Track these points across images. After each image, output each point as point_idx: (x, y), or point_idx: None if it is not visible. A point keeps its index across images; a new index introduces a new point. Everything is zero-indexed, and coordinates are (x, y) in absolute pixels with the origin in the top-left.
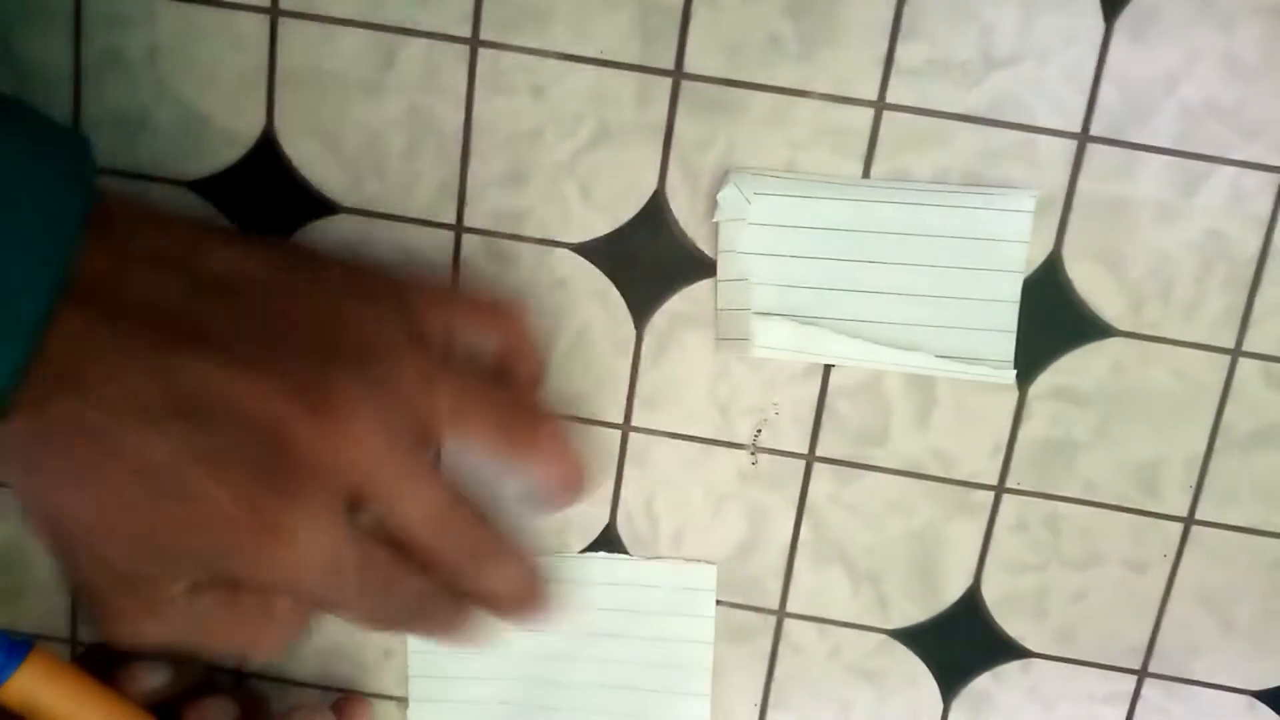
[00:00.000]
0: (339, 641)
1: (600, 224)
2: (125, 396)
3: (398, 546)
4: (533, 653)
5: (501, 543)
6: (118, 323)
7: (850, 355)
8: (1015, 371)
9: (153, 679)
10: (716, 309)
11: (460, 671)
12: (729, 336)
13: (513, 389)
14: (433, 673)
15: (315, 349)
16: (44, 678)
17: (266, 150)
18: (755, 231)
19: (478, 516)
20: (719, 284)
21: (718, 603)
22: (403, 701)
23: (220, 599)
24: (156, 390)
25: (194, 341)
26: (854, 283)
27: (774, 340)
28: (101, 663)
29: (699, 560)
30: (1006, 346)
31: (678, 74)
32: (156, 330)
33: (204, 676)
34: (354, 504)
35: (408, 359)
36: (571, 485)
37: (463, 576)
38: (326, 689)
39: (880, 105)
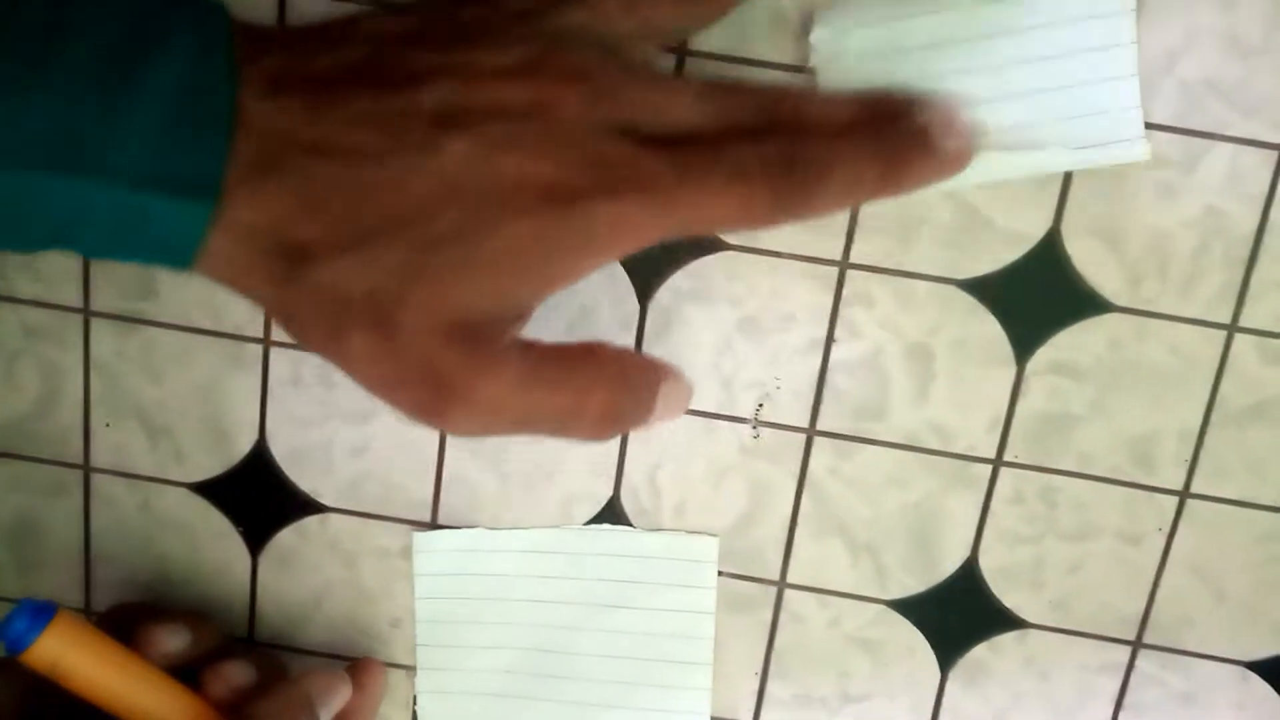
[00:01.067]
0: (349, 611)
1: None
2: (383, 136)
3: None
4: (537, 622)
5: (794, 84)
6: (327, 86)
7: (981, 171)
8: (1149, 145)
9: (172, 641)
10: None
11: (466, 641)
12: None
13: None
14: (440, 642)
15: (510, 34)
16: (69, 641)
17: None
18: (856, 67)
19: (744, 82)
20: None
21: (719, 574)
22: (412, 670)
23: (556, 350)
24: (411, 121)
25: (410, 73)
26: (968, 96)
27: None
28: (122, 626)
29: (701, 532)
30: (1135, 123)
31: (682, 51)
32: (367, 81)
33: (222, 641)
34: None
35: (577, 5)
36: None
37: (792, 128)
38: (336, 658)
39: None
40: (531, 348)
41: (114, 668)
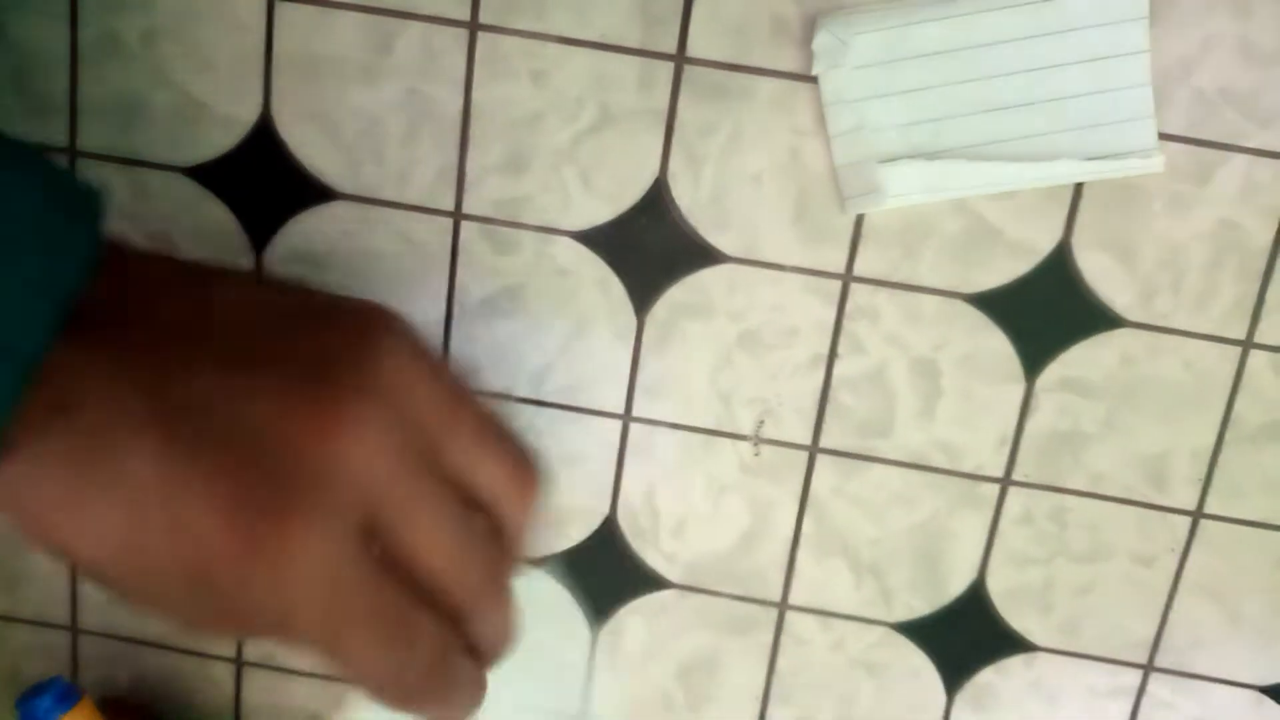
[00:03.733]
0: None
1: (601, 211)
2: (115, 415)
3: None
4: None
5: (505, 588)
6: (117, 352)
7: (989, 182)
8: (1164, 157)
9: None
10: (834, 166)
11: None
12: (856, 194)
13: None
14: None
15: (322, 367)
16: None
17: (264, 136)
18: (860, 75)
19: (491, 553)
20: (832, 139)
21: (718, 594)
22: None
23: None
24: (144, 403)
25: (192, 361)
26: (975, 104)
27: (905, 185)
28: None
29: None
30: (1149, 133)
31: (680, 58)
32: (154, 355)
33: None
34: (366, 530)
35: (421, 387)
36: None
37: (465, 618)
38: (326, 680)
39: None
40: None
41: None
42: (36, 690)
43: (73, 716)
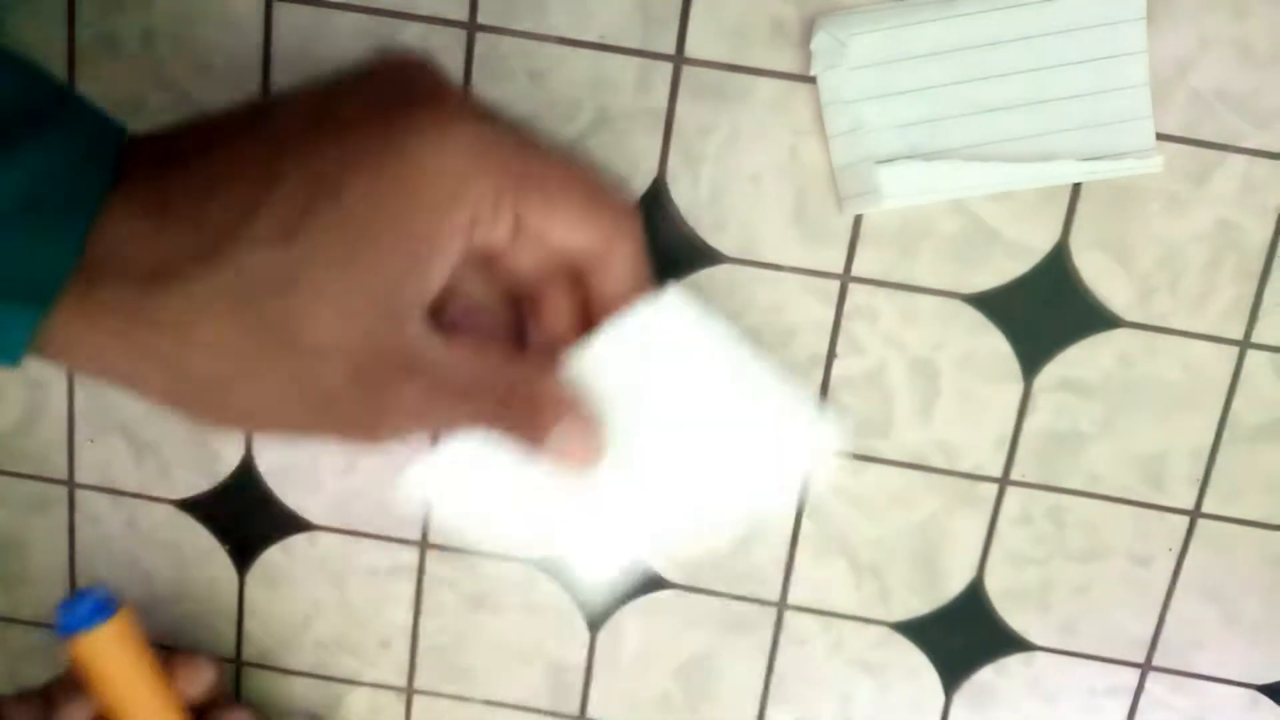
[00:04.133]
0: (337, 631)
1: None
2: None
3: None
4: None
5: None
6: (190, 179)
7: (987, 182)
8: (1162, 158)
9: (208, 676)
10: (833, 166)
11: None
12: (854, 194)
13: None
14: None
15: (392, 106)
16: (120, 640)
17: None
18: (858, 75)
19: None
20: (830, 140)
21: (717, 594)
22: (401, 691)
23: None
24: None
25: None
26: (973, 105)
27: (903, 186)
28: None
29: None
30: (1146, 134)
31: (679, 59)
32: (233, 167)
33: (225, 693)
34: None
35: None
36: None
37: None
38: (325, 679)
39: None
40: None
41: (143, 681)
42: (76, 598)
43: (111, 625)
